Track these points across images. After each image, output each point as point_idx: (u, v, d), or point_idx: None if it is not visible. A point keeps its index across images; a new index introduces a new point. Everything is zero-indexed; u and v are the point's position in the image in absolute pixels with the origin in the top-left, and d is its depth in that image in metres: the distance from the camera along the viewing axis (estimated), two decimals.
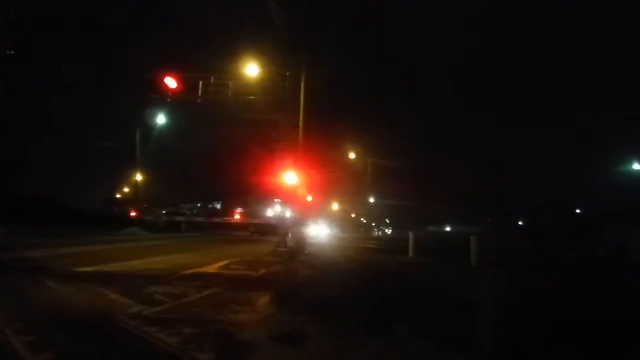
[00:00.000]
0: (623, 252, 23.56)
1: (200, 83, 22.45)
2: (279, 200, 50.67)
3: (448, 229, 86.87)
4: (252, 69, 22.03)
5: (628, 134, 59.90)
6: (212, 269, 14.44)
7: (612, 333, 6.67)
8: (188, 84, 22.61)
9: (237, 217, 49.62)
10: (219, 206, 54.39)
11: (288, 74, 21.42)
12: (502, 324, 6.01)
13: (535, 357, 5.83)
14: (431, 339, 6.24)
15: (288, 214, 21.58)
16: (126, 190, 56.12)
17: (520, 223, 67.82)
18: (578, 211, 55.61)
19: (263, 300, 9.00)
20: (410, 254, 21.97)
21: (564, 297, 9.63)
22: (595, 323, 7.23)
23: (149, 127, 38.50)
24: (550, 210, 57.26)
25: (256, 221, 48.40)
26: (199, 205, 53.64)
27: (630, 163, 31.75)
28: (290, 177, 19.00)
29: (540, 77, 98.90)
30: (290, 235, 20.82)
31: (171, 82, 22.15)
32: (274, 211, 48.20)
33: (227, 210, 51.79)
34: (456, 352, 5.89)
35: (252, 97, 22.27)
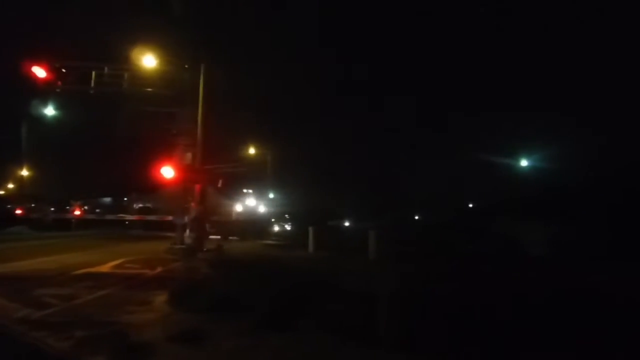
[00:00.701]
0: (513, 245, 25.07)
1: (93, 73, 21.37)
2: (248, 191, 47.81)
3: (347, 223, 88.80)
4: (148, 60, 21.28)
5: (516, 131, 63.89)
6: (105, 268, 13.90)
7: (500, 320, 7.08)
8: (78, 74, 21.45)
9: (135, 214, 47.37)
10: (117, 202, 51.82)
11: (187, 66, 20.92)
12: (399, 314, 6.22)
13: (430, 345, 6.06)
14: (333, 332, 6.36)
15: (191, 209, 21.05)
16: (10, 186, 52.54)
17: (417, 217, 70.36)
18: (470, 205, 58.78)
19: (160, 300, 8.79)
20: (310, 248, 22.23)
21: (456, 287, 10.10)
22: (485, 311, 7.64)
23: (37, 119, 36.16)
24: (444, 204, 60.16)
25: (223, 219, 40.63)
26: (105, 200, 51.02)
27: (518, 159, 33.67)
28: (166, 171, 18.48)
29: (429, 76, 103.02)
30: (187, 231, 20.36)
31: (39, 72, 20.82)
32: (244, 206, 45.66)
33: (124, 206, 49.55)
34: (357, 343, 6.03)
35: (148, 89, 21.52)
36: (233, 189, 43.66)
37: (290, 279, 9.07)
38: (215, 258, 16.83)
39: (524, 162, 32.01)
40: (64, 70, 21.37)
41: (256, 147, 42.85)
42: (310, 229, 23.38)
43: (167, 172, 18.52)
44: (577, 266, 17.22)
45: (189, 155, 20.09)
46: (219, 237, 30.84)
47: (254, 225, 40.09)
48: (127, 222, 44.71)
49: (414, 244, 25.89)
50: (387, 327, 6.11)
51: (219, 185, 22.46)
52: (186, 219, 20.59)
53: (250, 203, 46.73)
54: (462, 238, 29.93)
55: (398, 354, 5.84)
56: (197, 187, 20.27)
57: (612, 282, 12.65)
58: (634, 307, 8.23)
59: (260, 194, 47.52)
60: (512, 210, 32.73)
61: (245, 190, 46.62)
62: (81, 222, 42.72)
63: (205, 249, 19.39)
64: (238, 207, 45.29)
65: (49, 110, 32.22)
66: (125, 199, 51.06)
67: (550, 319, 7.36)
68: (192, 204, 20.52)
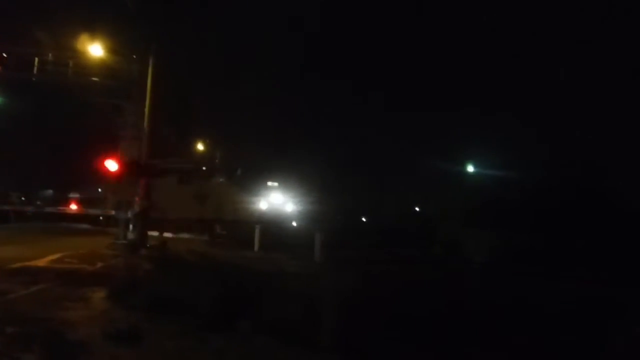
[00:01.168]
0: (455, 249, 25.64)
1: (36, 60, 20.61)
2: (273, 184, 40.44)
3: (294, 224, 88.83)
4: (95, 49, 20.68)
5: (463, 137, 65.14)
6: (42, 262, 13.42)
7: (439, 324, 7.24)
8: (20, 60, 20.67)
9: (73, 207, 45.41)
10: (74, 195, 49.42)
11: (135, 57, 20.46)
12: (339, 317, 6.26)
13: (369, 348, 6.13)
14: (274, 333, 6.35)
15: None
16: None
17: (364, 219, 70.77)
18: (417, 209, 59.62)
19: (98, 296, 8.59)
20: (256, 248, 22.14)
21: (396, 292, 10.27)
22: (424, 313, 7.81)
23: None
24: (392, 206, 60.86)
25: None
26: (47, 192, 48.73)
27: (465, 165, 34.27)
28: (110, 164, 18.05)
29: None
30: (131, 226, 19.93)
31: None
32: (269, 204, 39.18)
33: (65, 199, 47.52)
34: (297, 345, 6.05)
35: (94, 79, 20.92)
36: (256, 182, 38.57)
37: (233, 279, 9.02)
38: (158, 255, 16.57)
39: (470, 168, 32.74)
40: (4, 55, 20.57)
41: (205, 144, 42.10)
42: (257, 228, 23.30)
43: (111, 165, 18.10)
44: (510, 274, 17.91)
45: (134, 149, 19.68)
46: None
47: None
48: (101, 218, 40.57)
49: (360, 247, 26.19)
50: (326, 329, 6.15)
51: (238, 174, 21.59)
52: (129, 213, 20.17)
53: (276, 200, 40.56)
54: (406, 243, 30.44)
55: (336, 355, 5.89)
56: (142, 181, 19.86)
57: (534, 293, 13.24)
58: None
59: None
60: (456, 216, 33.40)
61: (269, 184, 40.79)
62: (21, 214, 40.92)
63: (148, 245, 19.03)
64: (263, 205, 38.39)
65: None
66: (100, 190, 47.94)
67: (480, 322, 7.61)
68: (137, 199, 20.11)
